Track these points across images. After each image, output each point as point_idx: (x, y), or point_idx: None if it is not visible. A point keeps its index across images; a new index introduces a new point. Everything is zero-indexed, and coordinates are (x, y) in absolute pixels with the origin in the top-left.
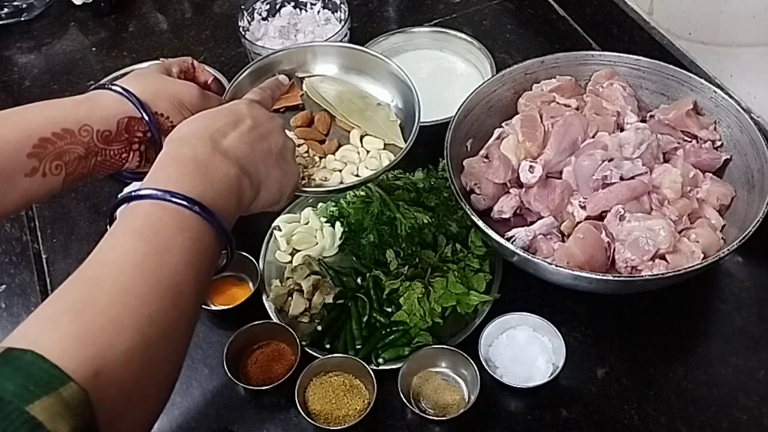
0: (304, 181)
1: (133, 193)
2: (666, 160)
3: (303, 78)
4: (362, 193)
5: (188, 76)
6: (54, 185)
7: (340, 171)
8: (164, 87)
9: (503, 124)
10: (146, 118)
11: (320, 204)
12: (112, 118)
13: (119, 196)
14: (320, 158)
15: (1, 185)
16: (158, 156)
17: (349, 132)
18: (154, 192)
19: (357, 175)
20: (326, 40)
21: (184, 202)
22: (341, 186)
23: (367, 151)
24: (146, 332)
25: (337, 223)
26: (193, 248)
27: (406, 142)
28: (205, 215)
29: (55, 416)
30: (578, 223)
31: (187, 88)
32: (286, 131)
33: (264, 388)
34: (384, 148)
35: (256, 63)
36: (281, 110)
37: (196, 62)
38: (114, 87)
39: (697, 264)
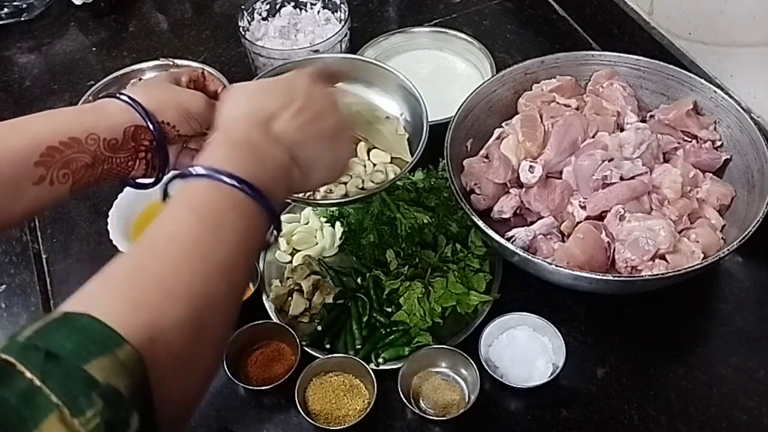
0: (309, 193)
1: (188, 170)
2: (666, 160)
3: None
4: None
5: (198, 86)
6: (61, 193)
7: (345, 184)
8: (171, 96)
9: (503, 124)
10: (152, 127)
11: None
12: (119, 126)
13: (173, 173)
14: None
15: (9, 193)
16: (212, 136)
17: (356, 144)
18: (209, 172)
19: (362, 189)
20: (326, 40)
21: (238, 184)
22: (345, 199)
23: (374, 165)
24: (198, 304)
25: (337, 223)
26: (244, 227)
27: (413, 155)
28: (256, 196)
29: (111, 375)
30: (578, 223)
31: (194, 97)
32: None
33: (264, 388)
34: (390, 162)
35: (262, 74)
36: None
37: (206, 71)
38: (121, 96)
39: (697, 264)
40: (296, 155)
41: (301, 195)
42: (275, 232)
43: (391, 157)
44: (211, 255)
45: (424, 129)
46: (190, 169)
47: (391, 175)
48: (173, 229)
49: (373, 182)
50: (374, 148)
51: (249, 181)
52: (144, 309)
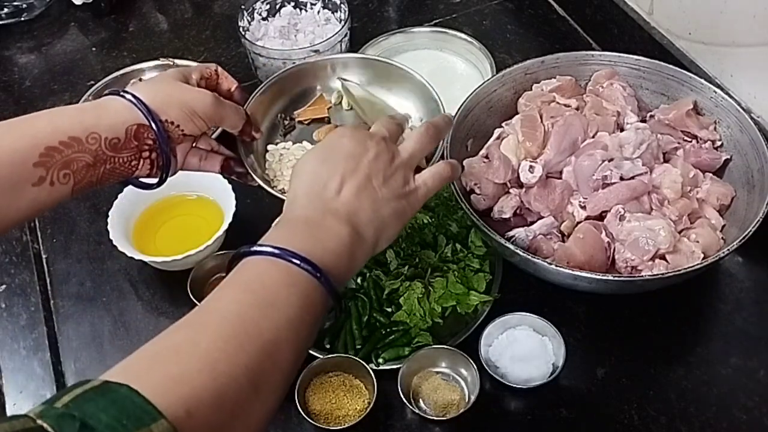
0: None
1: (246, 249)
2: (666, 160)
3: (340, 83)
4: None
5: (210, 83)
6: (62, 194)
7: None
8: (177, 94)
9: (503, 124)
10: (154, 126)
11: None
12: (120, 125)
13: (234, 253)
14: None
15: (8, 194)
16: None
17: None
18: (265, 249)
19: None
20: (326, 40)
21: (293, 259)
22: None
23: None
24: (240, 380)
25: None
26: (297, 304)
27: (432, 158)
28: (313, 272)
29: None
30: (578, 223)
31: (201, 95)
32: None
33: None
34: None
35: (278, 75)
36: (306, 122)
37: (220, 69)
38: (124, 93)
39: (697, 264)
40: (358, 225)
41: None
42: (337, 310)
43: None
44: (257, 332)
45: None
46: (247, 248)
47: None
48: (223, 305)
49: None
50: None
51: (304, 256)
52: (184, 382)
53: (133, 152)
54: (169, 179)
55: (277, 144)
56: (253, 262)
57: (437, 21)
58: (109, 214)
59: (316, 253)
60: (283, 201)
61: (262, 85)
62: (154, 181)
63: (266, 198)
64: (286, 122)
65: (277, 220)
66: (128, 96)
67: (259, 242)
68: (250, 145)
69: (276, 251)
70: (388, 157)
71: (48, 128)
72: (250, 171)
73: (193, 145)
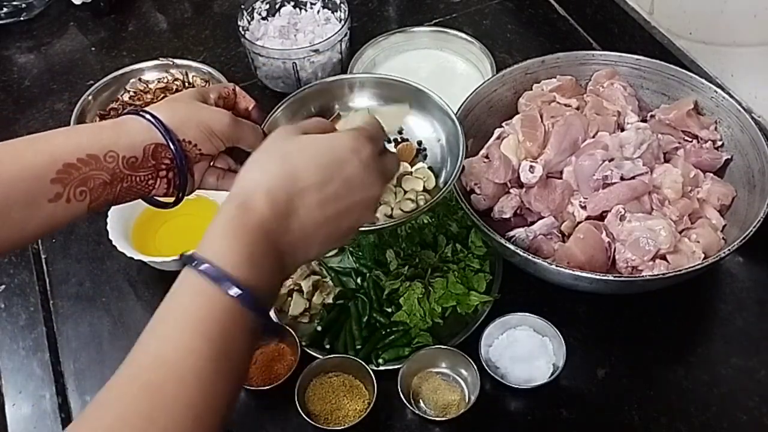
0: None
1: (196, 261)
2: (667, 160)
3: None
4: None
5: (228, 103)
6: (78, 211)
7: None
8: (194, 114)
9: (503, 124)
10: (172, 146)
11: None
12: (138, 144)
13: (181, 257)
14: None
15: (25, 210)
16: (226, 199)
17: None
18: (218, 275)
19: (390, 216)
20: (326, 40)
21: (250, 304)
22: (369, 228)
23: (404, 192)
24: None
25: None
26: (249, 346)
27: (449, 179)
28: (259, 312)
29: None
30: (578, 223)
31: (219, 115)
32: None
33: (264, 388)
34: (423, 190)
35: (293, 96)
36: None
37: (238, 89)
38: (142, 113)
39: (698, 264)
40: (305, 253)
41: None
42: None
43: (424, 186)
44: (217, 391)
45: (460, 155)
46: (198, 262)
47: (422, 204)
48: (177, 358)
49: (402, 210)
50: (406, 174)
51: (258, 296)
52: None
53: (151, 171)
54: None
55: None
56: (206, 296)
57: (437, 21)
58: (109, 214)
59: (264, 283)
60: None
61: (279, 104)
62: (171, 200)
63: None
64: None
65: (226, 201)
66: (147, 116)
67: (203, 247)
68: None
69: (223, 283)
70: (363, 183)
71: (66, 145)
72: None
73: (211, 164)
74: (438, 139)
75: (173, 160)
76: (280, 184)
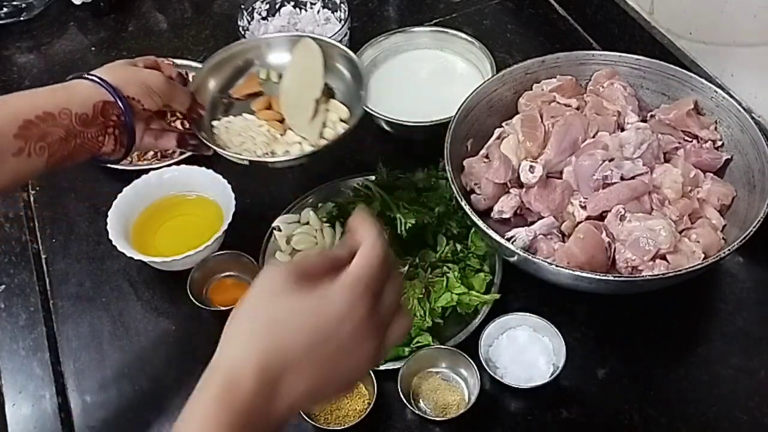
0: (267, 156)
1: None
2: (667, 160)
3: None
4: (362, 193)
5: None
6: (38, 165)
7: (300, 143)
8: (133, 74)
9: (503, 124)
10: (120, 102)
11: (320, 204)
12: (89, 102)
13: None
14: (281, 135)
15: None
16: (210, 369)
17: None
18: None
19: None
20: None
21: None
22: (300, 155)
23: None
24: None
25: (337, 223)
26: None
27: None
28: None
29: None
30: (578, 223)
31: (154, 75)
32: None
33: None
34: (341, 121)
35: (217, 56)
36: (242, 98)
37: (159, 59)
38: (88, 76)
39: (698, 264)
40: (294, 410)
41: (258, 157)
42: None
43: (340, 119)
44: None
45: (363, 81)
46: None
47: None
48: None
49: (324, 138)
50: (332, 98)
51: None
52: None
53: (100, 128)
54: (167, 179)
55: (220, 119)
56: None
57: (437, 20)
58: (109, 214)
59: None
60: (236, 163)
61: (198, 69)
62: (117, 158)
63: (266, 198)
64: (225, 100)
65: (212, 367)
66: (92, 77)
67: (188, 410)
68: (197, 123)
69: None
70: (362, 334)
71: (25, 104)
72: (203, 140)
73: (147, 126)
74: (342, 79)
75: (120, 116)
76: (266, 364)
